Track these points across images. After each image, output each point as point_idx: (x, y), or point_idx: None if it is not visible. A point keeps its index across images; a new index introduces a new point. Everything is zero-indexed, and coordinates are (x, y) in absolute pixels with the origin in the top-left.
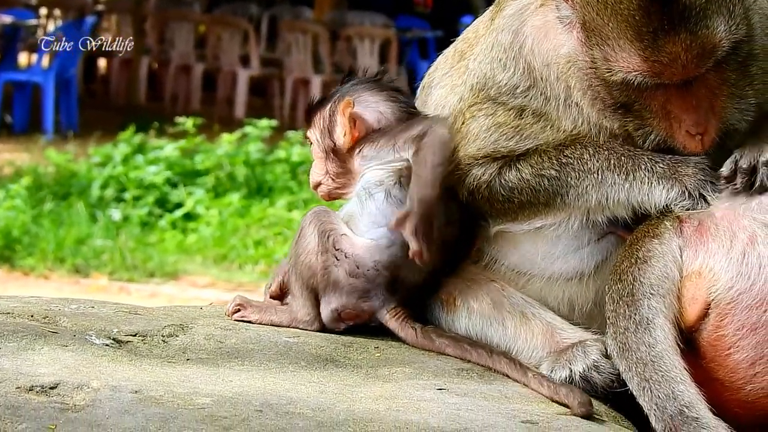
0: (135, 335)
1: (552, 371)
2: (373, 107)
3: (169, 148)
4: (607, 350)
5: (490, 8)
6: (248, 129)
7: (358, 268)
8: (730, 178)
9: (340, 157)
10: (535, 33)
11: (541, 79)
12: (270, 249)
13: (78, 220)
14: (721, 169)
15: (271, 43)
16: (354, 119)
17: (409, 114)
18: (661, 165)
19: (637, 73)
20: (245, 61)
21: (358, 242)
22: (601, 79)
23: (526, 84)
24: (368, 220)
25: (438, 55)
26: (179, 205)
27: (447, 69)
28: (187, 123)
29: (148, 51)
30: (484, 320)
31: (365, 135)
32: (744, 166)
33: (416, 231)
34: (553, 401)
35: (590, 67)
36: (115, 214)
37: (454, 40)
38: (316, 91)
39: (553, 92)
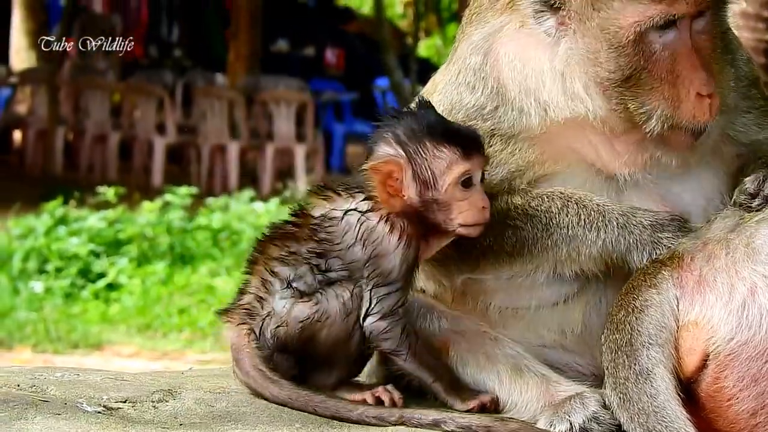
0: (125, 402)
1: (551, 425)
2: None
3: (93, 219)
4: (605, 402)
5: (447, 59)
6: (169, 197)
7: None
8: (753, 195)
9: None
10: (514, 50)
11: (517, 93)
12: (194, 316)
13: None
14: (746, 183)
15: (186, 110)
16: None
17: None
18: (636, 226)
19: (651, 15)
20: (161, 128)
21: None
22: (612, 49)
23: (494, 104)
24: None
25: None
26: (102, 276)
27: None
28: (109, 193)
29: (64, 121)
30: (478, 372)
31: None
32: (750, 190)
33: None
34: None
35: (593, 54)
36: (38, 286)
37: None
38: (233, 157)
39: (531, 102)
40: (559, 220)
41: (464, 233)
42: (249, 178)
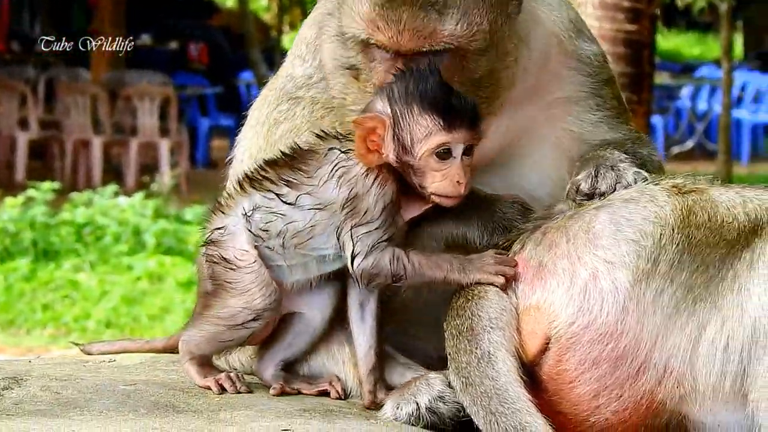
0: None
1: (398, 407)
2: None
3: None
4: (450, 382)
5: None
6: (32, 192)
7: None
8: (589, 195)
9: None
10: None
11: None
12: (58, 312)
13: None
14: (579, 181)
15: (49, 106)
16: None
17: None
18: (478, 206)
19: (357, 27)
20: (24, 123)
21: None
22: (340, 36)
23: (321, 75)
24: None
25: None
26: None
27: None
28: None
29: None
30: (328, 358)
31: None
32: (585, 189)
33: None
34: None
35: (335, 33)
36: None
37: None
38: (96, 151)
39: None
40: None
41: (437, 202)
42: (113, 173)
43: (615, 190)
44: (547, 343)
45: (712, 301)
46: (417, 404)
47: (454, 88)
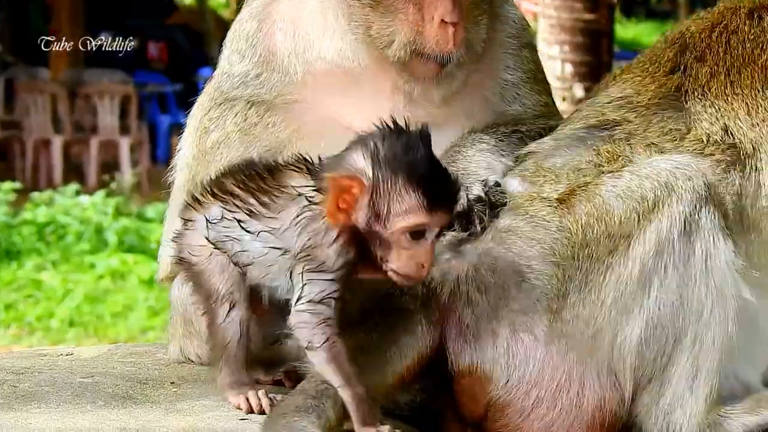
0: None
1: None
2: None
3: None
4: None
5: None
6: None
7: None
8: (470, 221)
9: None
10: (289, 14)
11: (286, 56)
12: (21, 312)
13: None
14: None
15: (9, 106)
16: None
17: None
18: None
19: None
20: None
21: None
22: None
23: (259, 70)
24: None
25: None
26: None
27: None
28: None
29: None
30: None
31: None
32: (457, 209)
33: None
34: None
35: None
36: None
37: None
38: (57, 151)
39: (297, 61)
40: None
41: (394, 278)
42: (74, 171)
43: (469, 207)
44: (487, 406)
45: (624, 303)
46: None
47: (441, 161)
